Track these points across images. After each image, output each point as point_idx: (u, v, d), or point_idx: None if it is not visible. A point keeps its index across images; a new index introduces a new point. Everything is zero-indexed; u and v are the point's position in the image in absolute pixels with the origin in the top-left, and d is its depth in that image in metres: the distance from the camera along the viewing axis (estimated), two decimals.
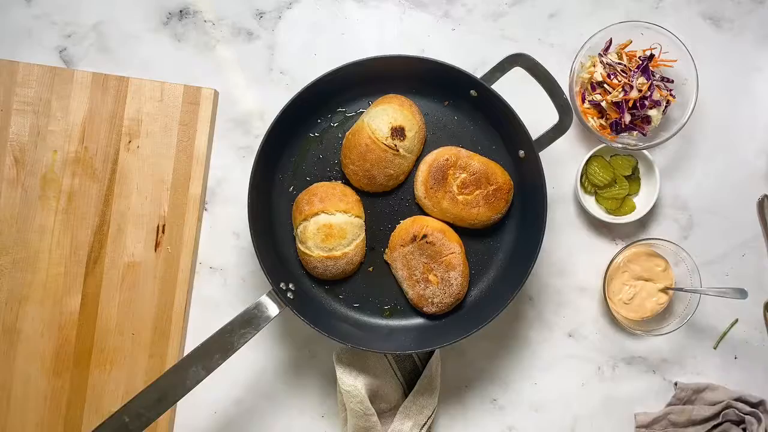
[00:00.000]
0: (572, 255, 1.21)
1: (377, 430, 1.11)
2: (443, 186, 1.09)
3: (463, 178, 1.09)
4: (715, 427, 1.17)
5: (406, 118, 1.09)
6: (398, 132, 1.08)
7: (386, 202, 1.14)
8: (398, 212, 1.14)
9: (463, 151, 1.10)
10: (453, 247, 1.08)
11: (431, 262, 1.08)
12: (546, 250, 1.20)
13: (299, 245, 1.09)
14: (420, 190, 1.10)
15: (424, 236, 1.07)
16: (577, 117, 1.17)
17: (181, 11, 1.21)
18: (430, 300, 1.09)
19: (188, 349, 1.17)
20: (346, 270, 1.09)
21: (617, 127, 1.17)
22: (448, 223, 1.11)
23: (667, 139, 1.14)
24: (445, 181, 1.09)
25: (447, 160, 1.09)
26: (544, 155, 1.06)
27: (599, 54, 1.17)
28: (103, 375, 1.15)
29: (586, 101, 1.18)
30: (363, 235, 1.10)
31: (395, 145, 1.08)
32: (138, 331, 1.15)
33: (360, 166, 1.09)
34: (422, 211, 1.13)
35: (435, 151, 1.11)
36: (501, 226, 1.14)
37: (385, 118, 1.08)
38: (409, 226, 1.10)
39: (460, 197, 1.09)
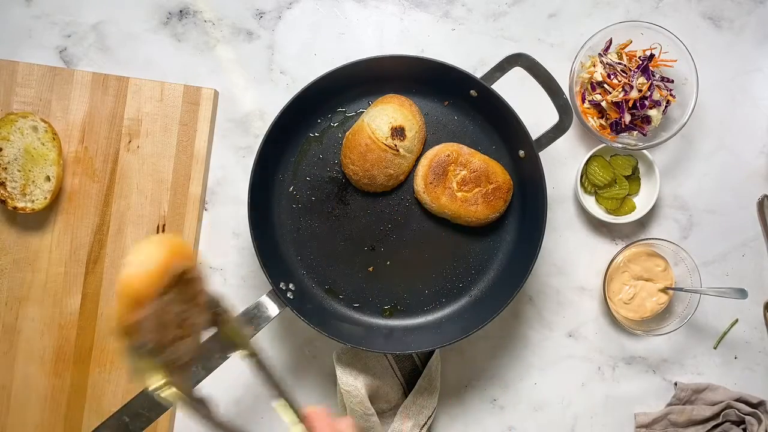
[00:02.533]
0: (572, 255, 1.21)
1: (377, 430, 1.11)
2: (443, 182, 1.09)
3: (463, 175, 1.09)
4: (715, 427, 1.17)
5: (406, 118, 1.09)
6: (398, 132, 1.08)
7: (386, 202, 1.14)
8: (398, 212, 1.14)
9: (465, 149, 1.10)
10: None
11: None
12: (546, 250, 1.20)
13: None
14: (419, 184, 1.10)
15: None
16: (577, 117, 1.17)
17: (181, 11, 1.21)
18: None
19: None
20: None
21: (617, 127, 1.17)
22: (445, 219, 1.11)
23: (667, 139, 1.14)
24: (445, 176, 1.09)
25: (448, 156, 1.09)
26: (544, 155, 1.06)
27: (599, 54, 1.17)
28: (103, 375, 1.15)
29: (586, 101, 1.18)
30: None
31: (395, 145, 1.08)
32: None
33: (360, 166, 1.09)
34: (422, 209, 1.13)
35: (437, 147, 1.11)
36: (501, 226, 1.14)
37: (385, 118, 1.08)
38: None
39: (459, 194, 1.09)
